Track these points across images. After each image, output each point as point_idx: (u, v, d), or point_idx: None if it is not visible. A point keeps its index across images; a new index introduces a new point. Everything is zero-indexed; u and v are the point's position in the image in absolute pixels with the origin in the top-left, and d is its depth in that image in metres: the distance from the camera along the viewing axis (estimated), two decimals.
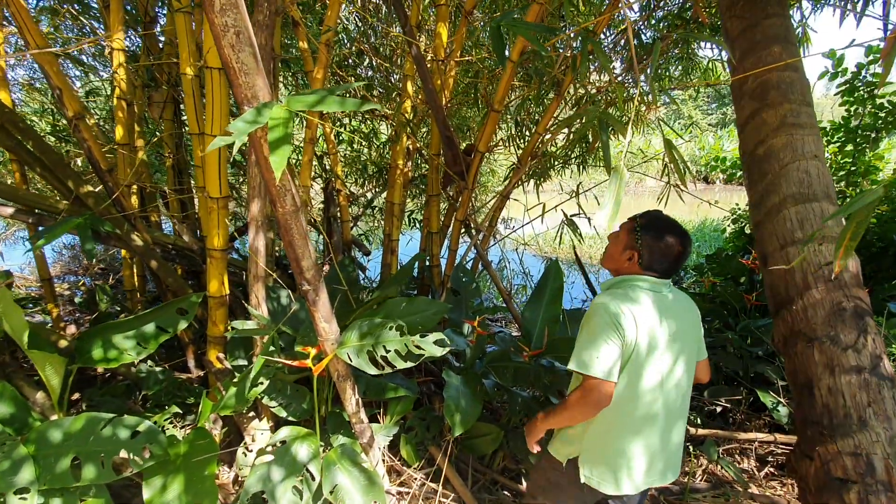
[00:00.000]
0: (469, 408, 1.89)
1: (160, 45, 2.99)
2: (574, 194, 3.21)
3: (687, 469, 2.86)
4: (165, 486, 1.50)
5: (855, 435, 1.44)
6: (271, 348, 1.69)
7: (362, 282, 4.36)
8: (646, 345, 1.24)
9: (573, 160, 3.75)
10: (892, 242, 3.75)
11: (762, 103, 1.88)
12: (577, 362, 1.24)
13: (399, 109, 2.82)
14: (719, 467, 2.83)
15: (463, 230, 3.00)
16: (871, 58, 3.69)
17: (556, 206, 3.28)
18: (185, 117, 3.10)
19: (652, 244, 1.32)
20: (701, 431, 2.95)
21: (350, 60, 3.77)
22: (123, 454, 1.44)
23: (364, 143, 4.48)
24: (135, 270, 3.06)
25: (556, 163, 3.58)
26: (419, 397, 2.58)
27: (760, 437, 2.81)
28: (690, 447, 3.02)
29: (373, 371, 1.42)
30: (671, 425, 1.34)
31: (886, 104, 3.77)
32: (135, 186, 2.90)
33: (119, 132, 2.60)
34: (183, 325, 1.78)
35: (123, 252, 2.94)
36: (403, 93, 3.03)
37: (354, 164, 4.70)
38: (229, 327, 1.91)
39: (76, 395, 2.55)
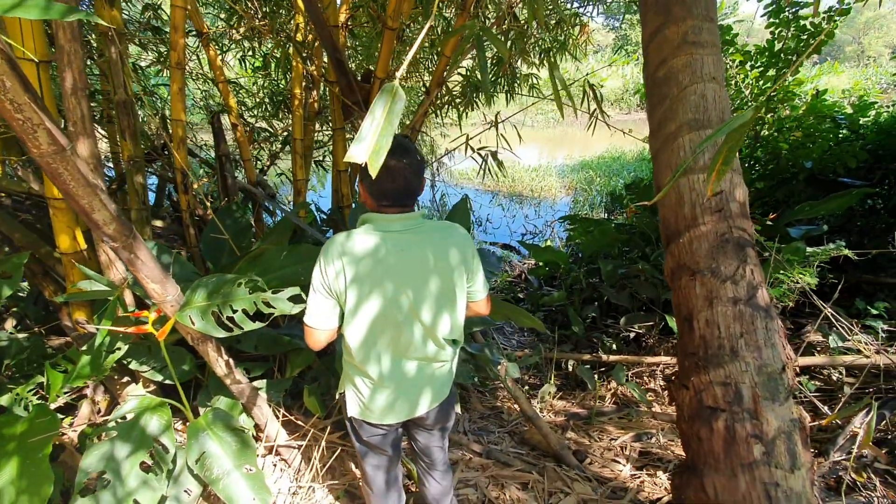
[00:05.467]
0: None
1: None
2: (493, 125, 3.01)
3: (598, 393, 2.99)
4: None
5: (726, 365, 1.45)
6: (119, 310, 1.48)
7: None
8: (363, 291, 1.19)
9: (496, 89, 3.50)
10: (803, 168, 3.86)
11: (666, 18, 1.71)
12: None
13: (281, 25, 2.44)
14: (628, 390, 2.98)
15: None
16: None
17: (475, 136, 3.09)
18: None
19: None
20: (612, 358, 3.06)
21: None
22: None
23: (271, 70, 4.00)
24: None
25: (477, 93, 3.34)
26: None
27: (665, 360, 2.94)
28: (597, 373, 3.15)
29: (220, 334, 1.26)
30: (410, 366, 1.31)
31: (809, 26, 3.70)
32: None
33: None
34: (7, 291, 1.52)
35: None
36: (294, 7, 2.63)
37: (266, 95, 4.24)
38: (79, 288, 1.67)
39: None
